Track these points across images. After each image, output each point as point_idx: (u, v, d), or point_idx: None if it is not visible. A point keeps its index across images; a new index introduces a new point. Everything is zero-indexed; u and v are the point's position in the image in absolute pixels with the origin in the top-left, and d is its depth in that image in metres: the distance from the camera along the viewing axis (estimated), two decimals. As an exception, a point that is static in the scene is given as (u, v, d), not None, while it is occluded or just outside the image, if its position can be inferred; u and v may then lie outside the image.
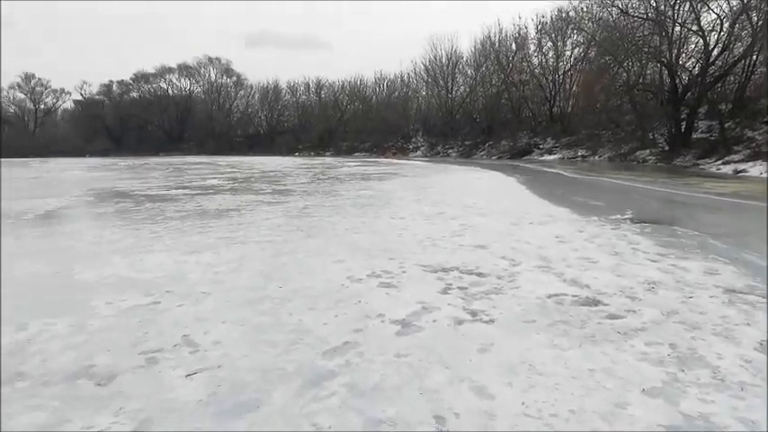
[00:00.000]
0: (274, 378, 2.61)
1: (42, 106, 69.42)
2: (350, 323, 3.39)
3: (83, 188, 15.74)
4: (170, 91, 68.90)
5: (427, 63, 54.99)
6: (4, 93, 66.02)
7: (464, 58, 52.68)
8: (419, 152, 52.00)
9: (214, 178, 19.01)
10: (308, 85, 67.77)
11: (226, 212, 9.03)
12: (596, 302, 3.74)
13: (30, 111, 68.97)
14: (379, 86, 63.65)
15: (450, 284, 4.29)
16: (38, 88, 68.06)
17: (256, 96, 69.69)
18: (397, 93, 61.58)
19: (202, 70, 68.60)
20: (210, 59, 67.91)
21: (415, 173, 21.44)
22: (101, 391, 2.51)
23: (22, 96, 67.86)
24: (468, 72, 52.65)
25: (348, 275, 4.57)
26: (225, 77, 69.03)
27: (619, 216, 7.90)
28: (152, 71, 67.87)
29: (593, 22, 32.86)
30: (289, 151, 59.82)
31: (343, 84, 65.28)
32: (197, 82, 69.34)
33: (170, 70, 68.06)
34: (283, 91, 68.78)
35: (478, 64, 50.60)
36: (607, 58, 28.52)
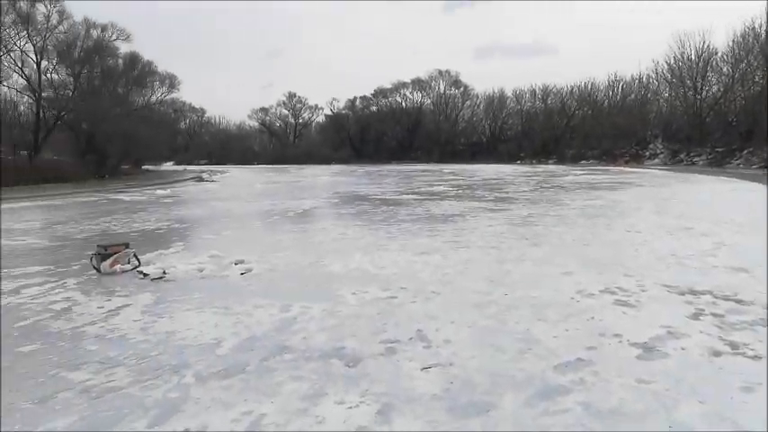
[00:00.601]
0: (504, 383, 2.64)
1: (300, 120, 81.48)
2: (582, 339, 3.23)
3: (330, 191, 17.95)
4: (403, 104, 74.36)
5: (671, 62, 48.89)
6: (273, 109, 79.05)
7: (718, 54, 45.49)
8: (657, 160, 46.57)
9: (440, 185, 19.86)
10: (533, 91, 66.22)
11: (451, 217, 9.38)
12: None
13: (291, 124, 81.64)
14: (613, 89, 58.83)
15: (702, 309, 3.78)
16: (297, 105, 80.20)
17: (481, 105, 70.77)
18: (633, 95, 56.14)
19: (433, 83, 72.37)
20: (441, 72, 71.19)
21: (654, 182, 19.31)
22: (350, 372, 2.85)
23: (286, 112, 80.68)
24: (724, 69, 45.14)
25: (578, 289, 4.36)
26: (453, 89, 71.70)
27: None
28: (389, 86, 74.12)
29: None
30: (510, 159, 59.25)
31: (572, 88, 62.07)
32: (427, 94, 73.41)
33: (404, 85, 73.43)
34: (508, 99, 68.51)
35: (737, 59, 43.06)
36: None
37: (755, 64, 41.00)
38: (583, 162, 51.95)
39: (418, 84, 73.09)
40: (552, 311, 3.78)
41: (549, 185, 18.53)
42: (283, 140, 79.92)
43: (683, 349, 3.05)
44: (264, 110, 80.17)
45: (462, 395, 2.53)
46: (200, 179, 29.89)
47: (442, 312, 3.80)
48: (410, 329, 3.46)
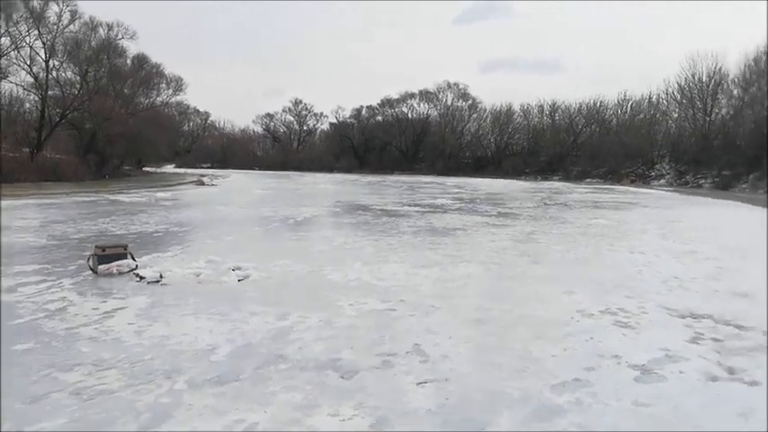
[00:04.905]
0: (500, 401, 2.61)
1: (305, 127, 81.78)
2: (581, 359, 3.20)
3: (331, 200, 17.96)
4: (410, 114, 74.55)
5: (683, 82, 49.03)
6: (278, 115, 79.39)
7: (730, 77, 45.62)
8: (663, 180, 46.50)
9: (443, 197, 19.86)
10: (541, 107, 66.41)
11: (453, 231, 9.36)
12: None
13: (295, 131, 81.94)
14: (622, 108, 58.94)
15: (702, 334, 3.74)
16: (303, 112, 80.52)
17: (488, 119, 70.94)
18: (642, 115, 56.27)
19: (440, 95, 72.57)
20: (449, 84, 71.41)
21: (659, 204, 19.26)
22: (345, 384, 2.82)
23: (291, 119, 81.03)
24: (734, 92, 45.28)
25: (578, 309, 4.33)
26: (461, 101, 71.90)
27: None
28: (396, 96, 74.41)
29: None
30: (515, 174, 59.27)
31: (580, 105, 62.26)
32: (434, 106, 73.59)
33: (412, 95, 73.67)
34: (515, 114, 68.68)
35: (748, 83, 43.14)
36: None
37: (766, 88, 40.98)
38: (588, 180, 51.91)
39: (426, 95, 73.28)
40: (552, 330, 3.75)
41: (552, 203, 18.50)
42: (287, 147, 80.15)
43: (681, 373, 3.02)
44: (270, 115, 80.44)
45: (457, 412, 2.50)
46: (201, 182, 29.97)
47: (440, 327, 3.77)
48: (407, 343, 3.43)
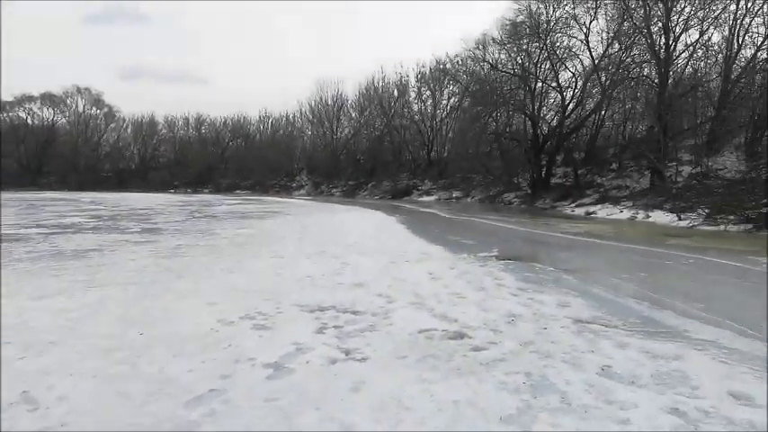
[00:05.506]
0: (126, 434, 2.40)
1: None
2: (218, 369, 3.23)
3: None
4: (29, 120, 62.69)
5: (313, 104, 55.81)
6: None
7: (349, 101, 54.27)
8: (303, 191, 51.93)
9: (75, 216, 17.38)
10: (187, 119, 65.40)
11: (85, 253, 8.26)
12: (463, 336, 3.93)
13: None
14: (264, 124, 63.23)
15: (326, 324, 4.27)
16: None
17: (129, 129, 65.75)
18: (282, 131, 61.51)
19: (69, 100, 63.35)
20: (79, 89, 62.90)
21: (299, 211, 21.31)
22: None
23: None
24: (353, 115, 54.23)
25: (219, 318, 4.37)
26: (95, 109, 64.33)
27: (486, 254, 8.44)
28: (10, 99, 61.45)
29: (467, 75, 35.64)
30: (164, 187, 56.75)
31: (226, 120, 63.95)
32: (62, 112, 63.81)
33: (30, 98, 62.07)
34: (160, 125, 65.68)
35: (362, 108, 52.33)
36: (479, 108, 30.86)
37: (375, 113, 50.31)
38: (238, 191, 53.70)
39: (50, 99, 63.04)
40: (191, 345, 3.68)
41: (202, 215, 18.37)
42: None
43: (307, 363, 3.36)
44: None
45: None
46: None
47: (58, 365, 3.24)
48: (13, 393, 2.83)
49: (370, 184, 46.73)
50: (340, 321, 4.35)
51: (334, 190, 49.10)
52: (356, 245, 9.54)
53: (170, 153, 65.60)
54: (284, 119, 61.28)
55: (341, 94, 54.40)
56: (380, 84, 50.63)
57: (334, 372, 3.23)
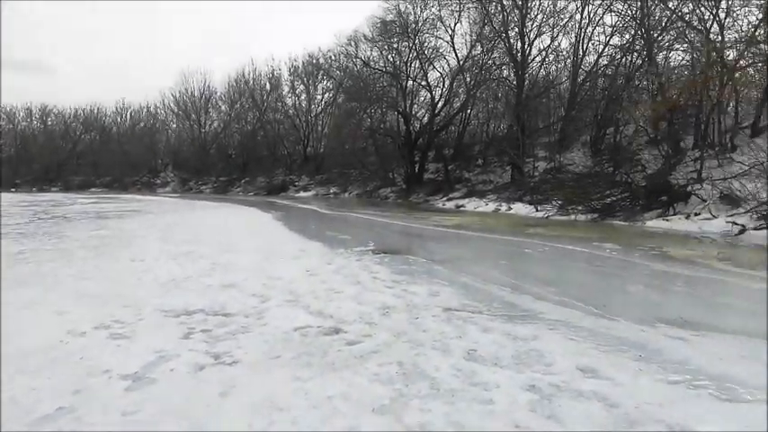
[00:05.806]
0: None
1: None
2: (67, 384, 2.89)
3: None
4: None
5: (177, 95, 52.44)
6: None
7: (218, 93, 51.78)
8: (169, 188, 48.76)
9: None
10: (29, 110, 58.26)
11: None
12: (338, 331, 3.92)
13: None
14: (121, 116, 58.23)
15: (194, 328, 4.02)
16: None
17: (-45, 120, 57.14)
18: (143, 124, 57.07)
19: None
20: None
21: (163, 209, 19.95)
22: None
23: None
24: (223, 108, 51.82)
25: (69, 329, 3.93)
26: None
27: (363, 248, 8.54)
28: None
29: (340, 71, 35.76)
30: (5, 186, 50.13)
31: (76, 111, 57.92)
32: None
33: None
34: (-3, 117, 57.87)
35: (233, 100, 50.22)
36: (353, 104, 31.15)
37: (247, 106, 48.59)
38: (93, 189, 49.09)
39: None
40: (35, 359, 3.26)
41: (49, 216, 16.46)
42: None
43: (171, 371, 3.13)
44: None
45: None
46: None
47: None
48: None
49: (243, 181, 45.16)
50: (209, 325, 4.12)
51: (204, 187, 46.77)
52: (227, 244, 9.14)
53: (10, 148, 58.07)
54: (145, 110, 57.03)
55: (208, 86, 51.74)
56: (251, 76, 49.04)
57: (202, 378, 3.04)
